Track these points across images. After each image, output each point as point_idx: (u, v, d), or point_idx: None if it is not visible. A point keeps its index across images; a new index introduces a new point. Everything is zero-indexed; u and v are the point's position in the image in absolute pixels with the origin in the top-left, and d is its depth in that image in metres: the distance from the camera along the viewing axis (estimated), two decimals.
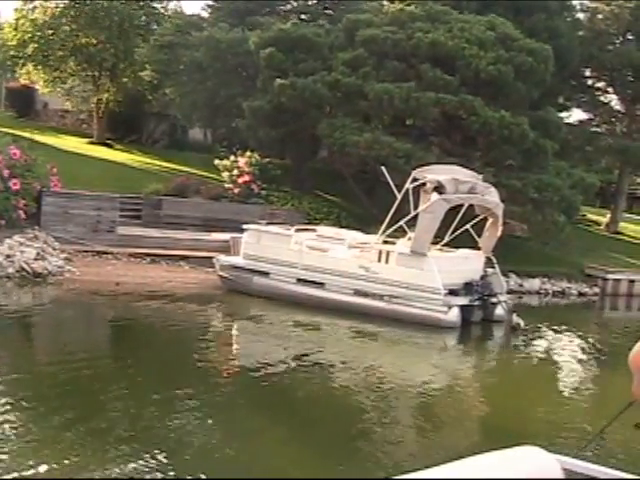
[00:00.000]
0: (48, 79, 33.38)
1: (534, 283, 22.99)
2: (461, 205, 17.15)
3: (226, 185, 22.82)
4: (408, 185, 15.88)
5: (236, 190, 22.52)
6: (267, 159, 23.37)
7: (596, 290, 24.11)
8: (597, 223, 33.34)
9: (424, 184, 15.80)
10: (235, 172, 22.62)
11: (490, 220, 16.96)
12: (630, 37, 29.88)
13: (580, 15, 30.03)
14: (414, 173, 16.04)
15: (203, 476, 7.32)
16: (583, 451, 3.04)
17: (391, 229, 16.05)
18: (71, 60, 32.81)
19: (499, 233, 16.84)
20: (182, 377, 10.88)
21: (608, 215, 32.81)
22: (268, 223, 19.47)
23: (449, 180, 15.38)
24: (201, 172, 26.49)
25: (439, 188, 15.34)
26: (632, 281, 24.70)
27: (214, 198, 22.54)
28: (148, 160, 30.14)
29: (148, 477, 7.08)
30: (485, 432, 10.18)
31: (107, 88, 33.30)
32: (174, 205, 21.55)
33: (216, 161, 23.41)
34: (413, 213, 15.77)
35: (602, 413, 11.21)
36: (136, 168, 27.60)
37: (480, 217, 17.33)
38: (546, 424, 10.24)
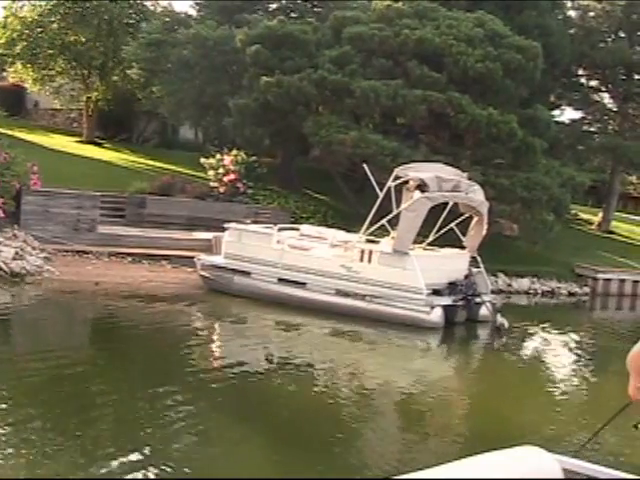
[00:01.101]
0: (37, 78, 33.10)
1: (523, 283, 22.75)
2: (446, 203, 16.91)
3: (212, 184, 22.56)
4: (390, 183, 15.63)
5: (222, 189, 22.28)
6: (253, 157, 23.08)
7: (586, 290, 23.90)
8: (589, 222, 33.11)
9: (407, 182, 15.55)
10: (221, 170, 22.37)
11: (475, 219, 16.72)
12: (622, 35, 29.64)
13: (572, 13, 29.80)
14: (396, 171, 15.78)
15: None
16: (579, 453, 2.96)
17: (373, 228, 15.79)
18: (60, 58, 32.56)
19: (484, 232, 16.60)
20: (160, 378, 10.65)
21: (600, 214, 32.56)
22: (253, 222, 19.26)
23: (432, 178, 15.13)
24: (189, 171, 26.25)
25: (422, 186, 15.09)
26: (623, 281, 24.51)
27: (199, 197, 22.29)
28: (136, 159, 29.91)
29: (143, 477, 6.99)
30: (468, 435, 9.92)
31: (96, 87, 33.07)
32: (158, 204, 21.31)
33: (202, 159, 23.16)
34: (395, 211, 15.50)
35: (589, 416, 11.01)
36: (123, 167, 27.37)
37: (465, 216, 17.08)
38: (531, 427, 9.98)
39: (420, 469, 2.07)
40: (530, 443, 2.41)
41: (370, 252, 15.52)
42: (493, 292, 21.83)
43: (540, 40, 23.89)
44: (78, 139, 33.23)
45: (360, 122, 23.15)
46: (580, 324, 19.91)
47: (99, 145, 32.65)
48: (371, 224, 15.71)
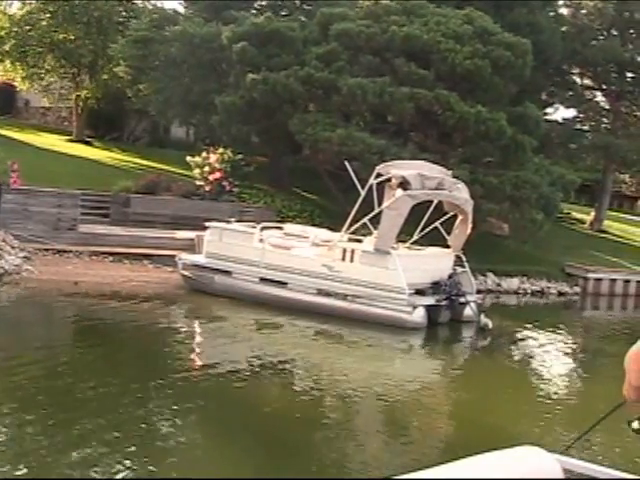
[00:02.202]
0: (26, 76, 32.84)
1: (512, 282, 22.50)
2: (430, 202, 16.67)
3: (197, 182, 22.30)
4: (372, 181, 15.37)
5: (207, 187, 22.02)
6: (240, 155, 22.82)
7: (577, 290, 23.64)
8: (582, 221, 32.83)
9: (389, 180, 15.29)
10: (206, 169, 22.11)
11: (460, 217, 16.46)
12: (614, 32, 29.37)
13: (564, 10, 29.55)
14: (378, 169, 15.52)
15: None
16: (567, 450, 2.80)
17: (354, 227, 15.52)
18: (49, 56, 32.32)
19: (469, 231, 16.34)
20: (135, 379, 10.45)
21: (592, 213, 32.27)
22: (237, 221, 19.00)
23: (414, 176, 14.87)
24: (179, 170, 26.02)
25: (404, 184, 14.83)
26: (614, 280, 24.24)
27: (185, 196, 22.04)
28: (126, 158, 29.68)
29: (145, 477, 6.91)
30: (450, 439, 9.70)
31: (86, 85, 32.83)
32: (143, 203, 21.07)
33: (188, 158, 22.91)
34: (377, 210, 15.24)
35: (573, 418, 10.80)
36: (110, 165, 27.14)
37: (450, 214, 16.83)
38: (513, 429, 9.75)
39: (411, 471, 2.05)
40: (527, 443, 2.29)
41: (352, 251, 15.27)
42: (482, 292, 21.66)
43: (531, 37, 23.64)
44: (68, 138, 33.00)
45: (349, 120, 22.93)
46: (568, 324, 19.65)
47: (89, 144, 32.42)
48: (353, 223, 15.45)
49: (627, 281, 24.53)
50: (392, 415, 10.54)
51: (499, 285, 22.17)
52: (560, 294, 23.23)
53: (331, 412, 10.13)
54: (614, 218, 35.37)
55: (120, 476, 6.87)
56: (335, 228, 18.19)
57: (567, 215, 33.18)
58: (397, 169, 15.23)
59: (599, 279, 24.01)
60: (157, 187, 22.21)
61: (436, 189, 15.43)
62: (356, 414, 10.30)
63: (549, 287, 23.15)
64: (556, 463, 2.22)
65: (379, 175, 15.38)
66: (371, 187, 15.34)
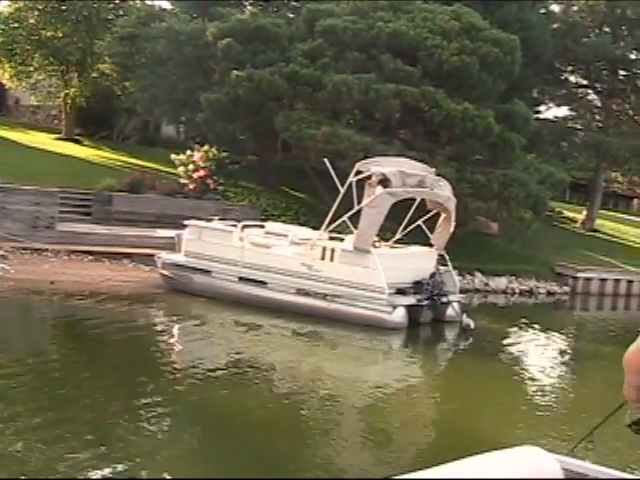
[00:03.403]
0: (13, 74, 32.55)
1: (500, 282, 22.22)
2: (413, 199, 16.38)
3: (181, 180, 22.02)
4: (352, 178, 15.08)
5: (191, 186, 21.74)
6: (225, 153, 22.53)
7: (566, 289, 23.36)
8: (574, 220, 32.52)
9: (370, 177, 15.00)
10: (191, 167, 21.83)
11: (443, 215, 16.18)
12: (606, 30, 29.07)
13: (555, 7, 29.26)
14: (358, 166, 15.22)
15: None
16: (572, 452, 2.79)
17: (334, 225, 15.23)
18: (37, 54, 32.02)
19: (452, 229, 16.05)
20: (110, 381, 10.28)
21: (584, 212, 31.96)
22: (221, 219, 18.73)
23: (395, 173, 14.59)
24: (165, 168, 25.74)
25: (384, 181, 14.54)
26: (604, 280, 23.96)
27: (169, 194, 21.76)
28: (114, 156, 29.42)
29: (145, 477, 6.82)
30: (428, 443, 9.44)
31: (74, 83, 32.54)
32: (126, 201, 20.78)
33: (172, 156, 22.64)
34: (357, 208, 14.96)
35: (556, 422, 10.53)
36: (97, 164, 26.88)
37: (434, 212, 16.55)
38: (492, 433, 9.47)
39: (411, 471, 2.04)
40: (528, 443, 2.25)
41: (332, 250, 14.99)
42: (469, 291, 21.42)
43: (520, 34, 23.40)
44: (57, 136, 32.74)
45: (337, 118, 22.64)
46: (555, 325, 19.34)
47: (78, 142, 32.16)
48: (332, 221, 15.16)
49: (617, 280, 24.25)
50: (369, 419, 10.26)
51: (487, 285, 21.89)
52: (549, 294, 22.95)
53: (308, 416, 9.85)
54: (607, 217, 35.05)
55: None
56: (320, 227, 17.92)
57: (559, 214, 32.90)
58: (377, 166, 14.94)
59: (589, 279, 23.72)
60: (141, 185, 21.92)
61: (417, 186, 15.13)
62: (333, 418, 9.99)
63: (538, 287, 22.87)
64: (556, 463, 2.20)
65: (359, 172, 15.09)
66: (351, 185, 15.04)
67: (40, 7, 31.33)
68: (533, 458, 2.20)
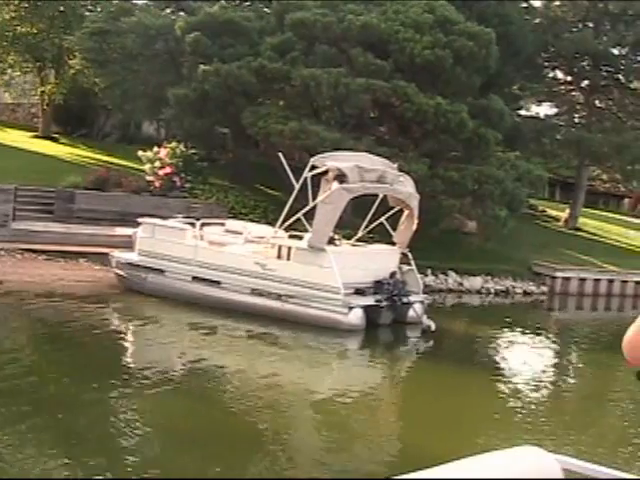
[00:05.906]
0: None
1: (475, 282, 21.63)
2: (375, 196, 15.82)
3: (147, 177, 21.45)
4: (306, 174, 14.51)
5: (157, 183, 21.16)
6: (193, 150, 21.96)
7: (544, 289, 22.76)
8: (557, 219, 31.91)
9: (326, 172, 14.42)
10: (157, 164, 21.25)
11: (405, 212, 15.60)
12: (589, 24, 28.48)
13: (536, 2, 28.68)
14: (313, 160, 14.64)
15: None
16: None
17: (288, 222, 14.66)
18: (11, 50, 31.41)
19: (415, 226, 15.46)
20: (60, 386, 9.86)
21: (567, 210, 31.34)
22: (185, 217, 18.18)
23: (351, 168, 14.01)
24: (137, 165, 25.17)
25: (340, 177, 13.97)
26: (583, 279, 23.35)
27: (135, 191, 21.19)
28: (87, 154, 28.84)
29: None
30: (383, 450, 8.92)
31: (51, 80, 31.94)
32: (89, 199, 20.20)
33: (139, 152, 22.06)
34: (312, 204, 14.38)
35: (505, 427, 10.01)
36: (67, 161, 26.27)
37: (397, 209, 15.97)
38: (448, 441, 8.92)
39: (411, 471, 2.00)
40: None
41: (288, 248, 14.42)
42: (442, 291, 20.88)
43: (500, 29, 22.81)
44: (34, 134, 32.14)
45: (309, 114, 22.05)
46: (529, 325, 18.72)
47: (55, 140, 31.56)
48: (287, 218, 14.59)
49: (597, 280, 23.63)
50: (322, 425, 9.81)
51: (461, 285, 21.31)
52: (526, 294, 22.36)
53: (262, 424, 9.34)
54: (591, 216, 34.40)
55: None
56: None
57: (542, 212, 32.32)
58: (333, 161, 14.36)
59: (567, 278, 23.12)
60: (107, 182, 21.36)
61: (377, 182, 14.56)
62: (282, 428, 9.43)
63: (514, 286, 22.28)
64: (556, 463, 2.21)
65: (314, 167, 14.51)
66: (306, 180, 14.47)
67: (15, 3, 30.76)
68: (533, 458, 2.19)
